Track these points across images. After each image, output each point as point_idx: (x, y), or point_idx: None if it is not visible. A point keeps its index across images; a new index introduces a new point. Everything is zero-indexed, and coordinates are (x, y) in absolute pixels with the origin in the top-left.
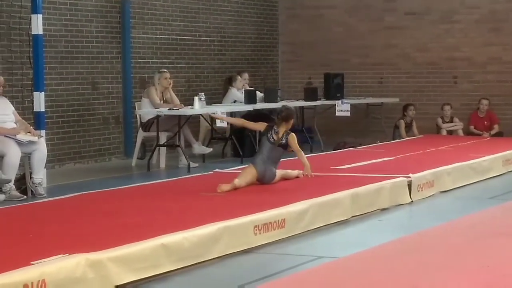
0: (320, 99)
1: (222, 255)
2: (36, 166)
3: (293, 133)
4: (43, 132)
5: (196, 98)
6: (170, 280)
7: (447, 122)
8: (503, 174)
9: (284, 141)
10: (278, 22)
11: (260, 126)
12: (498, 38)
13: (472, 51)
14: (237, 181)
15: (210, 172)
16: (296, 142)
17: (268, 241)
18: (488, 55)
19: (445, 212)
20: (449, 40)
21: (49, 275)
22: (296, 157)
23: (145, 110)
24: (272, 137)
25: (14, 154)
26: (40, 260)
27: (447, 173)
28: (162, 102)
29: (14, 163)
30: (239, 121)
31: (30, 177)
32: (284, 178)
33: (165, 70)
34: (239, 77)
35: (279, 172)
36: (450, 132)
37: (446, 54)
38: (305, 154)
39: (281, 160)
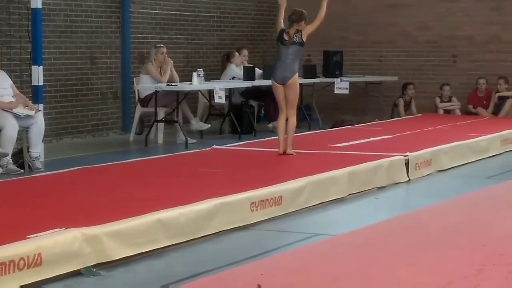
0: (319, 77)
1: (218, 231)
2: (33, 140)
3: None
4: (41, 106)
5: (194, 74)
6: (166, 255)
7: (445, 102)
8: (501, 153)
9: (297, 39)
10: None
11: (279, 25)
12: (499, 17)
13: (472, 30)
14: (283, 110)
15: (208, 148)
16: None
17: (265, 218)
18: (489, 34)
19: (442, 190)
20: (450, 18)
21: (45, 249)
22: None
23: (144, 86)
24: (284, 38)
25: (11, 128)
26: (37, 234)
27: (445, 152)
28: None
29: (11, 137)
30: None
31: (28, 151)
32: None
33: (162, 45)
34: (237, 53)
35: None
36: (447, 112)
37: (447, 33)
38: (303, 132)
39: (299, 57)
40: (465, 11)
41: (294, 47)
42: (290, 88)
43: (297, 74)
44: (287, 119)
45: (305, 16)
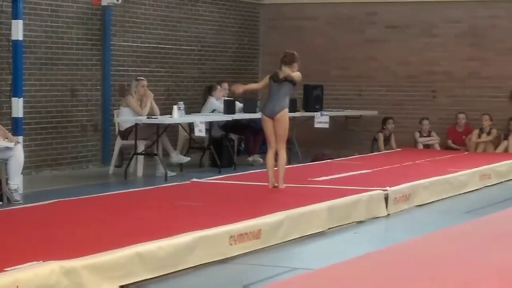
0: (299, 111)
1: (197, 264)
2: (12, 172)
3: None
4: (20, 138)
5: (175, 107)
6: None
7: (425, 136)
8: (480, 188)
9: (290, 78)
10: (259, 32)
11: (264, 81)
12: (477, 53)
13: (451, 66)
14: (272, 144)
15: (187, 182)
16: (298, 76)
17: (244, 252)
18: (468, 70)
19: (421, 225)
20: (429, 54)
21: (22, 282)
22: None
23: (124, 118)
24: (277, 76)
25: None
26: (14, 267)
27: (424, 186)
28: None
29: None
30: (255, 85)
31: (6, 183)
32: None
33: (142, 78)
34: (218, 86)
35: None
36: (427, 146)
37: (426, 68)
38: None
39: (290, 94)
40: (444, 47)
41: (286, 85)
42: (279, 122)
43: (286, 109)
44: (276, 155)
45: (297, 58)
